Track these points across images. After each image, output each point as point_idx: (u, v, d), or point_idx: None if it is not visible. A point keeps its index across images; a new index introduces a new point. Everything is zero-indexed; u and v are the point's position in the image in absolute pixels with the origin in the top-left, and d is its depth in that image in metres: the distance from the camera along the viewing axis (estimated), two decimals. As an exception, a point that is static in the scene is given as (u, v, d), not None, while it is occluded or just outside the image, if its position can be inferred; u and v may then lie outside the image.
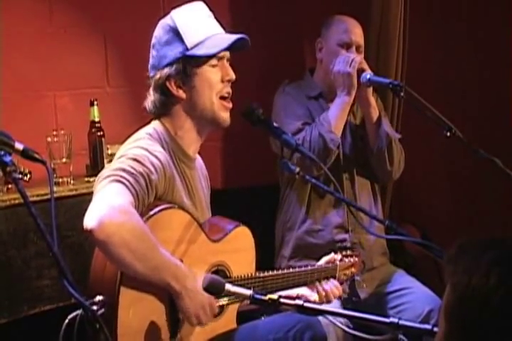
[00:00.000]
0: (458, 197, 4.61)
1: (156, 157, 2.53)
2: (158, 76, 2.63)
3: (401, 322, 1.90)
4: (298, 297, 2.81)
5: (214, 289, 2.18)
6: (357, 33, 3.65)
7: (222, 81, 2.64)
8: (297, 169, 2.73)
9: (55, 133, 3.42)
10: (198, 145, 2.74)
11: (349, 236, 3.60)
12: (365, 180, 3.72)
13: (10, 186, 3.16)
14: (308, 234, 3.62)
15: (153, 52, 2.68)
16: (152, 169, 2.48)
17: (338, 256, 3.00)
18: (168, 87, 2.62)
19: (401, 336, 3.03)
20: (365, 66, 3.55)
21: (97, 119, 3.55)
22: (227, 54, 2.67)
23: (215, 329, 2.67)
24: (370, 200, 3.72)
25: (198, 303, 2.47)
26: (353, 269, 3.05)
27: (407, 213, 4.52)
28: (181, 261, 2.50)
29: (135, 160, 2.47)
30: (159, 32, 2.68)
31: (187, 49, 2.61)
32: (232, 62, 2.76)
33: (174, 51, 2.62)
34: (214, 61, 2.63)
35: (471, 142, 3.16)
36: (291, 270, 2.83)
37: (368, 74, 3.53)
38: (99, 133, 3.54)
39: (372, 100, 3.61)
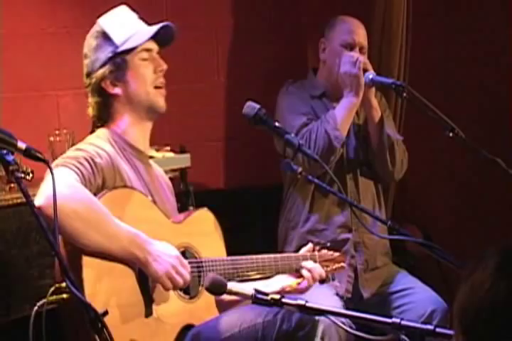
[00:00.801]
0: (460, 197, 4.60)
1: (102, 149, 2.62)
2: (93, 80, 2.73)
3: (403, 322, 1.90)
4: (283, 289, 2.81)
5: (216, 289, 2.18)
6: (360, 34, 3.64)
7: (155, 72, 2.73)
8: (299, 169, 2.73)
9: (57, 132, 3.41)
10: (147, 141, 2.81)
11: (352, 236, 3.60)
12: (369, 180, 3.71)
13: (12, 185, 3.16)
14: (311, 233, 3.62)
15: (85, 62, 2.79)
16: (96, 154, 2.56)
17: (317, 247, 2.98)
18: (103, 88, 2.72)
19: (403, 336, 3.03)
20: (369, 67, 3.54)
21: (99, 119, 3.55)
22: (155, 47, 2.76)
23: (194, 312, 2.66)
24: (374, 200, 3.72)
25: (166, 265, 2.48)
26: (337, 264, 3.02)
27: (409, 213, 4.52)
28: None
29: (79, 149, 2.59)
30: (88, 40, 2.80)
31: (117, 46, 2.71)
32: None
33: (105, 52, 2.72)
34: (144, 54, 2.72)
35: (473, 142, 3.16)
36: (265, 255, 2.82)
37: (371, 74, 3.52)
38: (101, 133, 3.54)
39: (375, 101, 3.60)
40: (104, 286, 2.42)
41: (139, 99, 2.72)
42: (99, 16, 2.80)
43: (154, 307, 2.53)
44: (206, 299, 2.69)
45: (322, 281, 2.95)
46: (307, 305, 2.03)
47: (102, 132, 2.74)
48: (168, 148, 3.68)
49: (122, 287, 2.48)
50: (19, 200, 3.04)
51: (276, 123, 2.79)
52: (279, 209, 3.75)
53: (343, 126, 3.49)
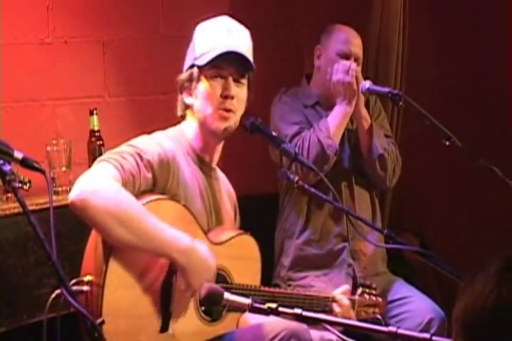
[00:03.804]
0: (457, 205, 4.61)
1: (160, 145, 2.58)
2: (179, 78, 2.74)
3: (399, 331, 1.90)
4: None
5: (213, 297, 2.18)
6: (356, 45, 3.64)
7: (221, 96, 2.67)
8: (296, 178, 2.74)
9: (54, 142, 3.42)
10: (215, 154, 2.80)
11: (349, 244, 3.60)
12: (364, 188, 3.71)
13: (9, 195, 3.16)
14: (307, 244, 3.61)
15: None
16: (147, 151, 2.53)
17: (359, 291, 2.97)
18: (182, 91, 2.72)
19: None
20: (360, 77, 3.54)
21: (96, 128, 3.55)
22: (230, 69, 2.69)
23: (211, 335, 2.65)
24: (369, 208, 3.72)
25: (204, 279, 2.45)
26: (376, 309, 3.01)
27: (406, 221, 4.52)
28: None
29: (129, 145, 2.55)
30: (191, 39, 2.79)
31: (195, 58, 2.69)
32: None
33: (189, 58, 2.73)
34: (212, 73, 2.68)
35: (470, 151, 3.16)
36: (301, 292, 2.82)
37: (368, 83, 3.53)
38: (98, 142, 3.54)
39: (364, 111, 3.61)
40: (123, 295, 2.41)
41: (200, 117, 2.70)
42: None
43: (171, 323, 2.51)
44: (227, 325, 2.69)
45: None
46: (304, 314, 2.03)
47: (174, 130, 2.74)
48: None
49: (143, 297, 2.45)
50: (16, 210, 3.04)
51: (273, 133, 2.80)
52: (275, 218, 3.75)
53: (336, 135, 3.49)
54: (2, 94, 3.63)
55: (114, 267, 2.40)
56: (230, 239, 2.73)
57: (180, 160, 2.62)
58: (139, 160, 2.49)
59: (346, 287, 2.96)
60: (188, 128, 2.73)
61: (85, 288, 2.41)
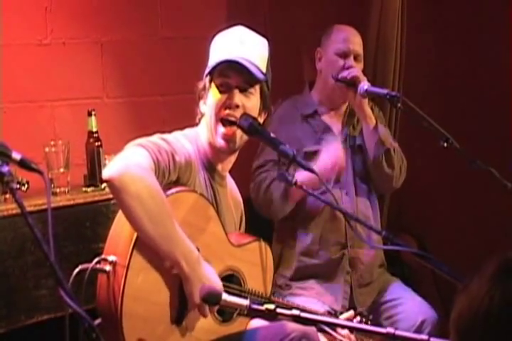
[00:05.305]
0: (456, 207, 4.61)
1: (184, 147, 2.59)
2: (197, 87, 2.75)
3: (397, 332, 1.90)
4: None
5: (211, 299, 2.19)
6: (355, 42, 3.64)
7: (224, 105, 2.67)
8: (294, 179, 2.74)
9: (52, 143, 3.41)
10: (226, 164, 2.79)
11: (348, 252, 3.59)
12: (364, 194, 3.70)
13: (7, 196, 3.15)
14: (304, 254, 3.60)
15: None
16: (177, 151, 2.53)
17: (357, 318, 2.97)
18: (199, 99, 2.75)
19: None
20: (361, 76, 3.54)
21: (94, 129, 3.55)
22: (236, 79, 2.67)
23: (221, 335, 2.66)
24: (369, 214, 3.69)
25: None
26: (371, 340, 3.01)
27: (404, 223, 4.52)
28: (197, 249, 2.50)
29: (163, 139, 2.55)
30: None
31: (208, 67, 2.71)
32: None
33: (207, 67, 2.72)
34: (219, 81, 2.68)
35: (468, 152, 3.16)
36: (307, 309, 2.81)
37: (366, 84, 3.52)
38: (96, 144, 3.54)
39: (368, 110, 3.60)
40: (145, 280, 2.42)
41: (208, 134, 2.72)
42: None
43: (186, 316, 2.52)
44: (236, 327, 2.70)
45: None
46: (301, 315, 2.04)
47: (191, 132, 2.75)
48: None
49: (163, 285, 2.47)
50: (14, 211, 3.04)
51: (271, 134, 2.79)
52: (273, 224, 3.73)
53: (292, 198, 3.47)
54: (0, 95, 3.63)
55: (140, 249, 2.41)
56: (248, 243, 2.76)
57: (197, 163, 2.65)
58: (171, 160, 2.51)
59: (351, 313, 2.98)
60: (203, 134, 2.74)
61: (108, 267, 2.42)
